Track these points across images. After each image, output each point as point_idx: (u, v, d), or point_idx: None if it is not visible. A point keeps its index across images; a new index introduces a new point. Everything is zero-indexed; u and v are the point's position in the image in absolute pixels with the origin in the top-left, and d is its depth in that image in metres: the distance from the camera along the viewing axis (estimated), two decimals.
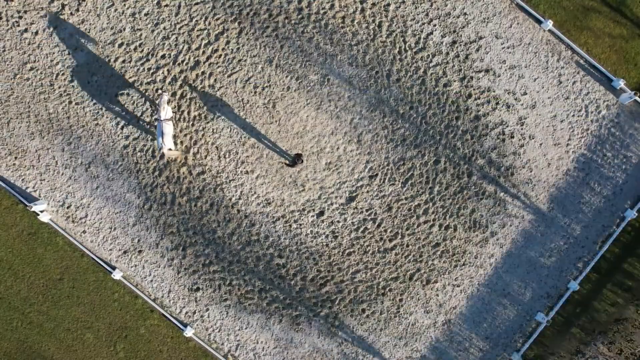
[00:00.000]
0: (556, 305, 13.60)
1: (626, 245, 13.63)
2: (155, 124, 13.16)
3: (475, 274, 13.68)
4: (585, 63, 13.64)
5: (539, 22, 13.60)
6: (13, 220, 13.90)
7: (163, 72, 13.68)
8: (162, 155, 13.50)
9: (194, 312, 13.86)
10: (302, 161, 12.88)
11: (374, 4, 13.62)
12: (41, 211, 13.58)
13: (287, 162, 12.79)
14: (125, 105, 13.73)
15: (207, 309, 13.84)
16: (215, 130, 13.67)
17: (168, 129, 12.78)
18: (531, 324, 13.73)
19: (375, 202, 13.63)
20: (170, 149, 12.89)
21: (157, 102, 13.27)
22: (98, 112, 13.75)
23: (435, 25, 13.63)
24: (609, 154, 13.64)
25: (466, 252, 13.66)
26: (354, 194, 13.62)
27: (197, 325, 13.87)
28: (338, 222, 13.64)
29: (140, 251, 13.82)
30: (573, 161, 13.64)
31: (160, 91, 12.83)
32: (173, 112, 13.48)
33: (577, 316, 13.69)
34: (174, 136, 13.41)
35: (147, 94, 13.70)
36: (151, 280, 13.85)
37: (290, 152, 13.54)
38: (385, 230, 13.65)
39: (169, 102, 13.32)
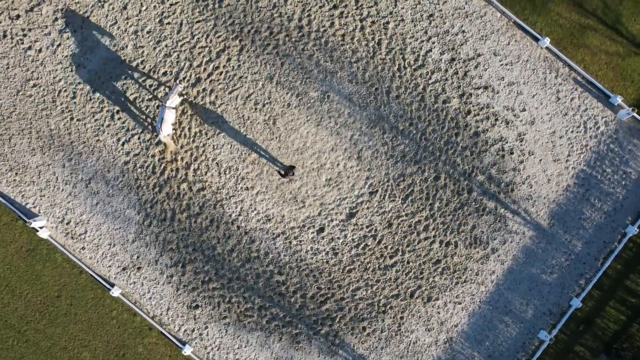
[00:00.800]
0: (559, 322, 13.46)
1: (628, 261, 13.56)
2: (158, 110, 13.12)
3: (476, 291, 13.57)
4: (583, 80, 13.77)
5: (536, 39, 13.77)
6: (12, 237, 13.84)
7: (164, 89, 13.79)
8: (159, 142, 13.49)
9: (193, 330, 13.70)
10: (294, 174, 12.92)
11: (373, 22, 13.81)
12: (40, 227, 13.53)
13: (279, 170, 12.84)
14: (127, 122, 13.80)
15: (206, 327, 13.69)
16: (215, 147, 13.71)
17: (170, 116, 12.77)
18: (534, 342, 13.56)
19: (376, 218, 13.60)
20: (167, 135, 12.89)
21: (171, 87, 13.23)
22: (99, 129, 13.82)
23: (434, 43, 13.79)
24: (609, 169, 13.66)
25: (467, 268, 13.57)
26: (354, 211, 13.60)
27: (195, 343, 13.69)
28: (338, 238, 13.59)
29: (139, 268, 13.73)
30: (573, 177, 13.66)
31: (178, 81, 12.83)
32: (181, 104, 13.49)
33: (581, 334, 13.54)
34: (174, 125, 13.34)
35: (147, 111, 13.79)
36: (150, 298, 13.72)
37: (287, 163, 13.59)
38: (386, 247, 13.58)
39: (180, 94, 13.33)
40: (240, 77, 13.79)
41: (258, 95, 13.76)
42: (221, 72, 13.80)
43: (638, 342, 13.28)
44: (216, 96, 13.77)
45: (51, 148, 13.83)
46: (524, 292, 13.58)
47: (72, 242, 13.77)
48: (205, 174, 13.69)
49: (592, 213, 13.63)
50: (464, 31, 13.80)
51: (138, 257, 13.73)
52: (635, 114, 13.44)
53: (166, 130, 12.87)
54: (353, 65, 13.75)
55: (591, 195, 13.64)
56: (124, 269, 13.74)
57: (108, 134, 13.81)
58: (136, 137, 13.78)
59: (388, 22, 13.82)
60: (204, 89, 13.77)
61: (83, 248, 13.76)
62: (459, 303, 13.56)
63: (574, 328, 13.54)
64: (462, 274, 13.57)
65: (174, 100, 12.94)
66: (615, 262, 13.53)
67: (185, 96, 13.63)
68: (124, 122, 13.80)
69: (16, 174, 13.86)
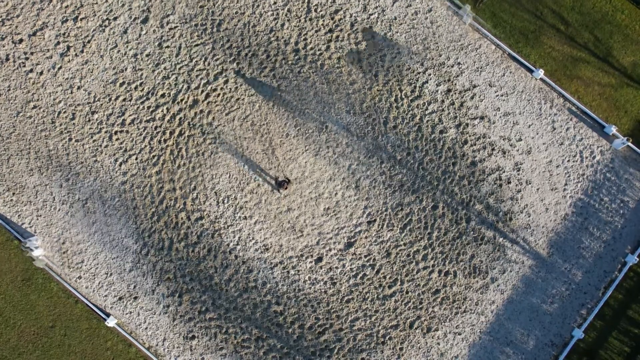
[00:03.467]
0: (561, 354, 13.24)
1: (629, 291, 13.44)
2: None
3: (476, 321, 13.39)
4: (577, 110, 13.99)
5: (531, 71, 14.06)
6: (8, 267, 13.74)
7: (162, 110, 13.98)
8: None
9: None
10: (286, 188, 12.94)
11: (370, 55, 14.12)
12: (36, 247, 13.43)
13: (276, 180, 12.96)
14: (124, 143, 13.93)
15: (203, 358, 13.43)
16: (214, 176, 13.79)
17: None
18: None
19: (374, 247, 13.55)
20: None
21: None
22: (97, 149, 13.93)
23: (430, 75, 14.07)
24: (606, 198, 13.71)
25: (467, 298, 13.43)
26: (353, 240, 13.56)
27: None
28: (336, 268, 13.50)
29: (135, 297, 13.58)
30: (571, 206, 13.69)
31: None
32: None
33: None
34: None
35: (145, 132, 13.93)
36: (146, 328, 13.52)
37: (285, 175, 13.60)
38: (385, 277, 13.48)
39: None
40: (238, 99, 14.00)
41: (255, 116, 13.94)
42: (219, 94, 14.02)
43: None
44: (213, 117, 13.95)
45: (49, 168, 13.91)
46: (524, 323, 13.41)
47: (69, 271, 13.67)
48: (204, 203, 13.72)
49: (591, 242, 13.60)
50: (459, 63, 14.11)
51: (135, 287, 13.61)
52: (630, 144, 13.59)
53: None
54: (351, 96, 13.99)
55: (590, 224, 13.64)
56: (120, 298, 13.60)
57: (106, 154, 13.92)
58: (134, 157, 13.88)
59: (385, 55, 14.13)
60: (202, 111, 13.96)
61: (79, 277, 13.65)
62: (459, 334, 13.36)
63: None
64: (462, 303, 13.42)
65: None
66: (616, 292, 13.41)
67: None
68: (121, 143, 13.92)
69: (13, 193, 13.89)
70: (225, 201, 13.72)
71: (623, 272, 13.41)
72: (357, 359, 13.34)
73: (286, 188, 12.98)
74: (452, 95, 13.98)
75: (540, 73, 13.84)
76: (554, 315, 13.42)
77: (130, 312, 13.56)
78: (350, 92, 14.00)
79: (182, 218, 13.70)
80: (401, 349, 13.33)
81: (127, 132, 13.90)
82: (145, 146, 13.82)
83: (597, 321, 13.37)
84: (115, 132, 13.89)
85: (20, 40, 14.19)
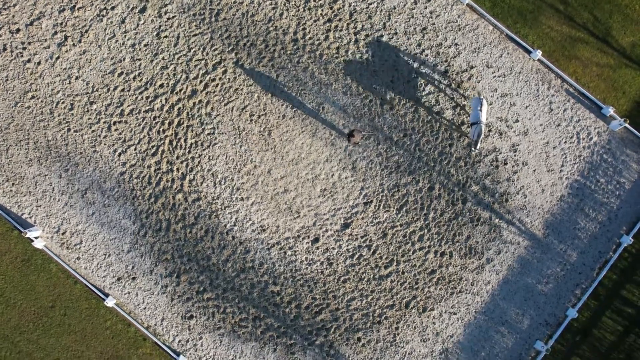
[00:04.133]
0: (555, 333, 13.39)
1: (623, 271, 13.54)
2: (473, 127, 12.80)
3: (472, 301, 13.53)
4: (575, 91, 13.93)
5: (529, 52, 13.97)
6: (7, 247, 13.87)
7: (161, 101, 13.96)
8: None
9: (187, 341, 13.62)
10: (354, 136, 12.69)
11: (367, 35, 14.03)
12: (36, 237, 13.56)
13: (346, 135, 12.81)
14: (123, 133, 13.94)
15: (201, 337, 13.62)
16: (211, 158, 13.82)
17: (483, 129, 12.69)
18: (530, 353, 13.47)
19: (370, 228, 13.63)
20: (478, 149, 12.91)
21: (474, 103, 12.81)
22: (96, 140, 13.95)
23: (427, 55, 13.99)
24: (602, 179, 13.74)
25: (462, 279, 13.55)
26: (349, 221, 13.64)
27: (190, 354, 13.60)
28: (333, 249, 13.60)
29: (134, 278, 13.72)
30: (567, 187, 13.73)
31: (482, 97, 12.69)
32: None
33: (577, 345, 13.45)
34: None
35: (144, 122, 13.93)
36: (144, 308, 13.68)
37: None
38: (381, 257, 13.59)
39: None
40: (236, 89, 13.96)
41: (253, 106, 13.92)
42: (217, 84, 13.98)
43: (635, 353, 13.19)
44: (212, 108, 13.93)
45: (48, 159, 13.94)
46: (519, 302, 13.54)
47: (67, 252, 13.79)
48: (201, 185, 13.78)
49: (586, 223, 13.66)
50: (456, 44, 14.02)
51: (133, 267, 13.74)
52: (627, 125, 13.57)
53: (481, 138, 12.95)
54: (347, 77, 13.93)
55: (585, 206, 13.69)
56: (118, 279, 13.74)
57: (105, 144, 13.94)
58: (132, 148, 13.90)
59: (382, 36, 14.04)
60: (200, 101, 13.94)
61: (78, 258, 13.77)
62: (455, 313, 13.51)
63: (571, 338, 13.47)
64: (458, 284, 13.54)
65: (484, 114, 12.74)
66: (610, 272, 13.52)
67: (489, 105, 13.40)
68: (120, 134, 13.93)
69: (13, 184, 13.95)
70: (222, 182, 13.77)
71: (618, 253, 13.50)
72: (354, 338, 13.51)
73: (353, 136, 12.67)
74: (449, 76, 13.92)
75: (538, 54, 13.76)
76: (549, 295, 13.54)
77: (129, 293, 13.71)
78: (347, 74, 13.95)
79: (179, 199, 13.77)
80: (397, 328, 13.49)
81: (126, 122, 13.89)
82: (144, 136, 13.82)
83: (591, 301, 13.50)
84: (114, 123, 13.88)
85: (18, 30, 14.10)
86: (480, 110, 12.72)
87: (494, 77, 13.95)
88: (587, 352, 13.41)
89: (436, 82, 13.92)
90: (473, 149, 13.07)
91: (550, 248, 13.60)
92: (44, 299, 13.77)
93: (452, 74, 13.93)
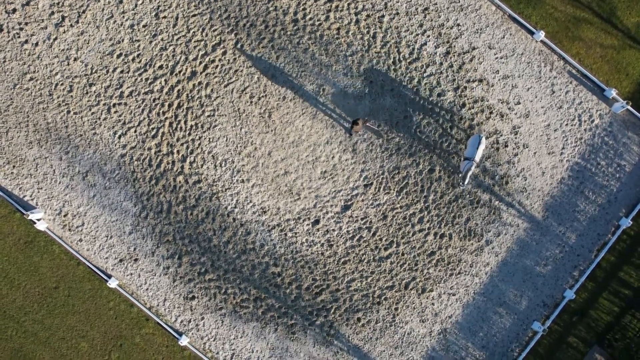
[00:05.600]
0: (553, 314, 13.56)
1: (622, 253, 13.64)
2: (464, 163, 12.68)
3: (470, 282, 13.67)
4: (578, 73, 13.81)
5: (531, 33, 13.80)
6: (10, 229, 13.97)
7: (160, 82, 13.87)
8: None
9: (189, 321, 13.83)
10: (357, 124, 12.56)
11: (368, 16, 13.85)
12: (38, 219, 13.65)
13: (347, 125, 12.67)
14: (123, 115, 13.89)
15: (203, 318, 13.82)
16: (211, 140, 13.80)
17: (473, 167, 12.56)
18: (527, 333, 13.67)
19: (371, 210, 13.69)
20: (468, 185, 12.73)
21: (472, 141, 12.63)
22: (96, 122, 13.91)
23: (429, 36, 13.83)
24: (603, 162, 13.72)
25: (461, 260, 13.67)
26: (349, 203, 13.69)
27: (192, 334, 13.83)
28: (333, 230, 13.69)
29: (136, 259, 13.85)
30: (567, 170, 13.72)
31: (483, 136, 12.57)
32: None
33: (574, 325, 13.64)
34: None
35: (144, 104, 13.87)
36: (147, 289, 13.85)
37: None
38: (381, 239, 13.68)
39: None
40: (236, 71, 13.85)
41: (253, 88, 13.83)
42: (217, 66, 13.86)
43: (630, 333, 13.38)
44: (212, 89, 13.84)
45: (48, 141, 13.93)
46: (518, 284, 13.68)
47: (70, 234, 13.89)
48: (201, 167, 13.79)
49: (586, 205, 13.70)
50: (459, 24, 13.84)
51: (135, 249, 13.86)
52: (629, 107, 13.48)
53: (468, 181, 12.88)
54: (348, 58, 13.81)
55: (585, 188, 13.71)
56: (120, 260, 13.87)
57: (105, 127, 13.91)
58: (132, 130, 13.87)
59: (383, 16, 13.86)
60: (200, 83, 13.84)
61: (80, 240, 13.89)
62: (453, 294, 13.67)
63: (568, 319, 13.65)
64: (457, 265, 13.66)
65: (479, 154, 12.61)
66: (608, 254, 13.62)
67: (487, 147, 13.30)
68: (120, 116, 13.88)
69: (14, 166, 13.97)
70: (223, 165, 13.78)
71: (616, 235, 13.57)
72: (353, 319, 13.71)
73: (357, 124, 12.54)
74: (450, 58, 13.79)
75: (541, 35, 13.59)
76: (547, 276, 13.68)
77: (131, 274, 13.87)
78: (347, 54, 13.82)
79: (180, 181, 13.80)
80: (396, 309, 13.67)
81: (126, 104, 13.82)
82: (144, 119, 13.77)
83: (589, 282, 13.64)
84: (114, 105, 13.81)
85: (14, 10, 13.92)
86: (477, 148, 12.53)
87: (496, 58, 13.82)
88: (583, 332, 13.61)
89: (437, 63, 13.78)
90: (461, 184, 12.88)
91: (549, 230, 13.68)
92: (47, 280, 13.94)
93: (454, 55, 13.79)
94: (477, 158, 12.60)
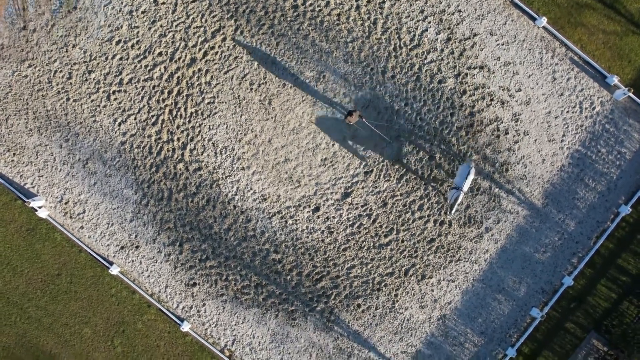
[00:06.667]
0: (551, 300, 13.68)
1: (620, 240, 13.70)
2: (451, 192, 12.57)
3: (470, 269, 13.76)
4: (580, 60, 13.72)
5: (533, 19, 13.68)
6: (12, 216, 14.03)
7: (160, 69, 13.80)
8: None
9: (191, 307, 13.96)
10: (352, 115, 12.49)
11: (369, 2, 13.72)
12: (39, 207, 13.70)
13: (345, 114, 12.65)
14: (123, 102, 13.85)
15: (204, 304, 13.95)
16: (211, 127, 13.78)
17: (461, 196, 12.46)
18: (526, 319, 13.81)
19: (371, 198, 13.72)
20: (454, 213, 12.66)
21: (462, 170, 12.51)
22: (95, 109, 13.87)
23: (430, 22, 13.72)
24: (603, 150, 13.71)
25: (461, 247, 13.74)
26: (350, 190, 13.72)
27: (193, 320, 13.97)
28: (333, 217, 13.74)
29: (137, 247, 13.93)
30: (567, 157, 13.72)
31: (473, 163, 12.54)
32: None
33: (572, 311, 13.76)
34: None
35: (143, 91, 13.81)
36: (148, 276, 13.96)
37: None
38: (381, 226, 13.74)
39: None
40: (236, 57, 13.77)
41: (253, 75, 13.76)
42: (216, 52, 13.78)
43: (627, 319, 13.51)
44: (212, 76, 13.78)
45: (48, 129, 13.91)
46: (517, 271, 13.77)
47: (71, 222, 13.96)
48: (202, 154, 13.79)
49: (586, 193, 13.72)
50: (460, 10, 13.71)
51: (136, 236, 13.93)
52: (631, 94, 13.42)
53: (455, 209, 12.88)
54: (348, 45, 13.71)
55: (585, 175, 13.72)
56: (122, 247, 13.95)
57: (104, 114, 13.88)
58: (132, 117, 13.84)
59: (384, 2, 13.73)
60: (200, 69, 13.77)
61: (82, 227, 13.95)
62: (453, 281, 13.77)
63: (566, 305, 13.77)
64: (456, 252, 13.74)
65: (468, 183, 12.54)
66: (607, 241, 13.68)
67: (476, 177, 13.22)
68: (120, 103, 13.84)
69: (14, 154, 13.97)
70: (223, 152, 13.78)
71: (615, 222, 13.62)
72: (353, 305, 13.83)
73: (352, 115, 12.51)
74: (451, 44, 13.69)
75: (543, 21, 13.47)
76: (546, 263, 13.76)
77: (133, 261, 13.96)
78: (348, 41, 13.72)
79: (180, 169, 13.82)
80: (396, 295, 13.78)
81: (125, 91, 13.76)
82: (144, 106, 13.72)
83: (587, 269, 13.72)
84: (113, 92, 13.76)
85: None
86: (466, 178, 12.47)
87: (498, 45, 13.72)
88: (581, 319, 13.74)
89: (438, 49, 13.69)
90: (449, 212, 12.83)
91: (548, 217, 13.72)
92: (49, 267, 14.04)
93: (455, 42, 13.69)
94: (465, 188, 12.58)
